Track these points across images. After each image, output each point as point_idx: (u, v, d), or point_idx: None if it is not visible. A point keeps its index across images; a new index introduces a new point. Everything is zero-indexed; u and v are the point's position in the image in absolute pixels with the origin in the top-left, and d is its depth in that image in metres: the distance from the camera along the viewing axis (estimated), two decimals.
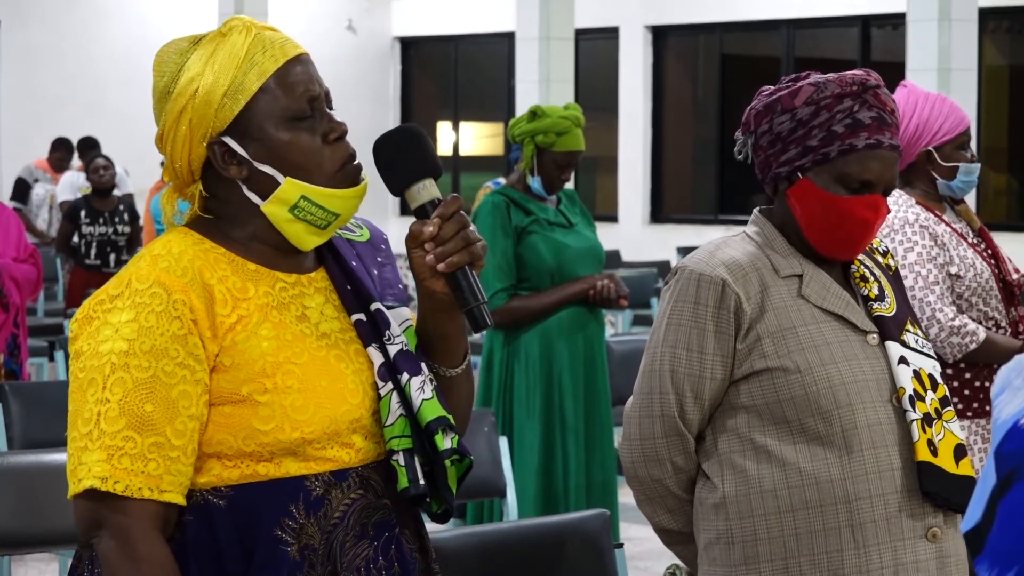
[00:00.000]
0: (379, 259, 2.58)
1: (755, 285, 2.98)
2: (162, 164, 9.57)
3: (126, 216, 11.86)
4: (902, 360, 3.00)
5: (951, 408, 3.03)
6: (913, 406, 2.97)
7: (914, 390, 2.98)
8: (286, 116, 2.43)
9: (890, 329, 3.02)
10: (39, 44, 18.69)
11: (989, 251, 4.79)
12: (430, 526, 2.63)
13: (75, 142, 15.65)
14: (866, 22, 17.03)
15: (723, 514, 2.98)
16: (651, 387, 3.02)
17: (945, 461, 2.96)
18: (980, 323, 4.68)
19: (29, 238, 8.49)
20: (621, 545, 3.80)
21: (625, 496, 6.50)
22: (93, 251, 11.65)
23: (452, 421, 2.45)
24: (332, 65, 19.86)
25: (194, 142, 2.44)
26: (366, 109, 19.58)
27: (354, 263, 2.53)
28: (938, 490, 2.95)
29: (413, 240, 2.42)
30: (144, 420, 2.34)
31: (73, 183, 14.15)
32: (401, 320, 2.50)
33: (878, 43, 17.12)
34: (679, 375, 2.99)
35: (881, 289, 3.08)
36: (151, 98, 2.52)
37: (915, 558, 2.95)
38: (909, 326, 3.05)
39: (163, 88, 2.47)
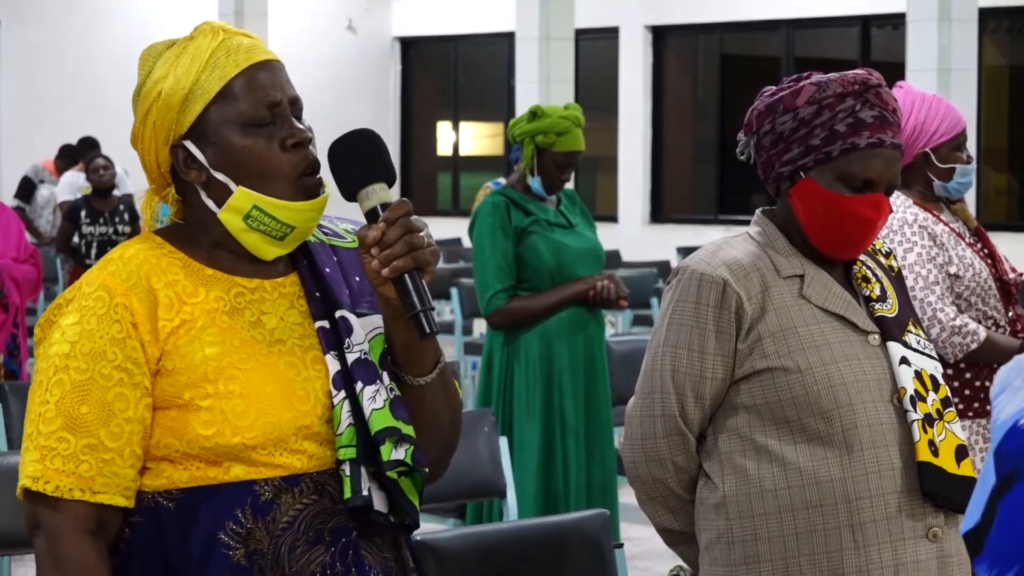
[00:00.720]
0: None
1: (756, 285, 2.98)
2: None
3: (126, 216, 11.86)
4: (903, 360, 2.99)
5: (952, 409, 3.03)
6: (914, 406, 2.96)
7: (915, 391, 2.98)
8: (243, 121, 2.41)
9: (891, 330, 3.02)
10: (39, 44, 18.69)
11: (986, 251, 4.79)
12: (429, 526, 2.62)
13: (75, 142, 15.64)
14: (866, 22, 17.03)
15: (723, 513, 2.98)
16: (652, 387, 3.02)
17: (946, 461, 2.96)
18: (979, 323, 4.69)
19: (29, 238, 8.49)
20: (621, 545, 3.80)
21: (625, 496, 6.50)
22: (93, 251, 11.65)
23: (406, 432, 2.41)
24: (332, 65, 19.88)
25: (159, 144, 2.45)
26: (366, 109, 19.58)
27: (328, 269, 2.50)
28: (938, 490, 2.95)
29: (361, 245, 2.38)
30: (78, 421, 2.35)
31: (73, 183, 14.14)
32: (371, 328, 2.47)
33: (878, 43, 17.12)
34: (680, 375, 2.99)
35: (883, 290, 3.07)
36: None
37: (915, 558, 2.95)
38: (911, 327, 3.05)
39: (136, 88, 2.49)
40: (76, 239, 11.70)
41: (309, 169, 2.43)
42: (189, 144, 2.42)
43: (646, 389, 3.04)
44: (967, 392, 4.69)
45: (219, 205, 2.43)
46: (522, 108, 13.58)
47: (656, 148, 18.52)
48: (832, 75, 3.04)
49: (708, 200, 18.04)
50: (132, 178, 14.58)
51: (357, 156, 2.41)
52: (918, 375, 3.00)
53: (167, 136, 2.43)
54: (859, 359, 2.98)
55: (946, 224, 4.74)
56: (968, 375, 4.69)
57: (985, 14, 14.24)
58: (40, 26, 18.73)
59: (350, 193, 2.42)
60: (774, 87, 3.09)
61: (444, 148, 20.61)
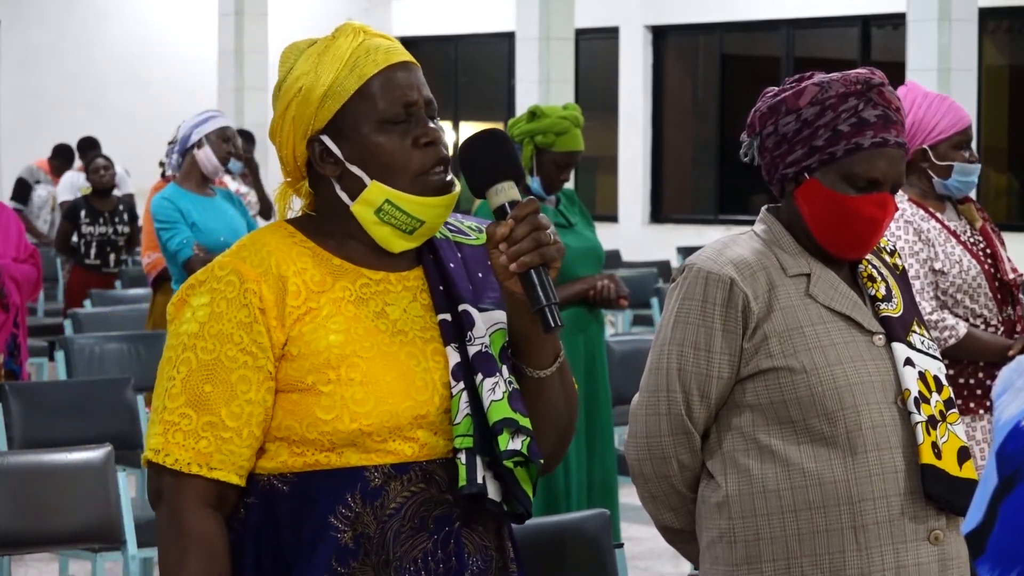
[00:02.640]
0: (489, 263, 2.59)
1: (763, 284, 2.98)
2: (161, 164, 9.53)
3: (126, 216, 11.85)
4: (908, 361, 2.99)
5: (955, 410, 3.02)
6: (918, 408, 2.96)
7: (919, 392, 2.97)
8: (379, 119, 2.50)
9: (896, 330, 3.01)
10: (39, 44, 18.70)
11: (988, 250, 4.79)
12: None
13: (75, 142, 15.64)
14: (866, 22, 17.03)
15: (726, 513, 2.98)
16: (658, 385, 3.02)
17: (948, 464, 2.95)
18: (967, 320, 4.69)
19: (28, 238, 8.48)
20: (621, 545, 3.80)
21: (625, 496, 6.50)
22: (93, 251, 11.64)
23: (522, 423, 2.48)
24: None
25: (296, 138, 2.54)
26: None
27: (452, 265, 2.58)
28: (941, 493, 2.94)
29: (490, 241, 2.47)
30: (202, 399, 2.46)
31: (73, 183, 14.14)
32: (492, 323, 2.55)
33: (878, 43, 17.12)
34: (686, 373, 2.99)
35: (888, 289, 3.07)
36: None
37: (917, 560, 2.94)
38: (915, 327, 3.04)
39: (277, 84, 2.58)
40: (76, 239, 11.70)
41: (440, 166, 2.52)
42: (326, 139, 2.52)
43: (651, 387, 3.03)
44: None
45: (352, 198, 2.52)
46: (522, 108, 13.58)
47: (656, 148, 18.52)
48: (835, 75, 3.03)
49: (708, 200, 18.04)
50: (132, 178, 14.59)
51: (487, 154, 2.50)
52: (922, 376, 2.99)
53: (305, 130, 2.52)
54: (864, 360, 2.97)
55: (939, 221, 4.74)
56: (951, 372, 4.69)
57: (985, 14, 14.24)
58: (40, 26, 18.73)
59: (479, 190, 2.50)
60: (776, 88, 3.09)
61: None
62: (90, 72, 18.82)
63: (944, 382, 3.02)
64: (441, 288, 2.56)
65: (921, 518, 2.95)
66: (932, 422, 2.96)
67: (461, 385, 2.49)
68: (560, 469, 6.02)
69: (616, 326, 11.97)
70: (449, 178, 2.53)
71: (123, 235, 11.77)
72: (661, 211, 18.51)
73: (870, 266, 3.09)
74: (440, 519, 2.48)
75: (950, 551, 2.98)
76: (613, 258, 13.34)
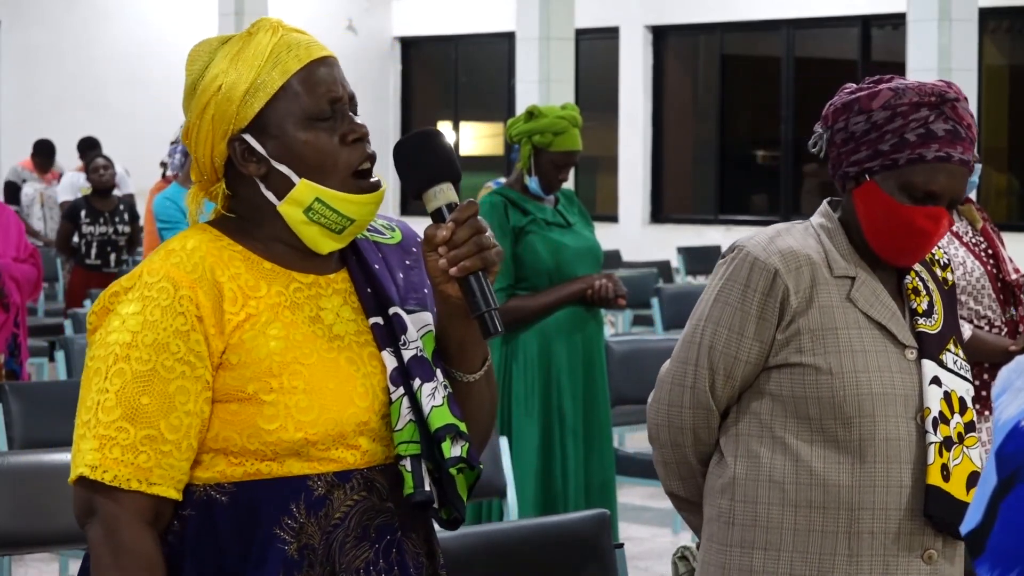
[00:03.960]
0: (407, 262, 2.57)
1: (806, 279, 2.99)
2: (162, 164, 9.56)
3: (126, 216, 11.86)
4: (935, 380, 2.99)
5: (975, 435, 3.02)
6: (935, 428, 2.96)
7: (940, 412, 2.97)
8: (305, 116, 2.44)
9: (930, 347, 3.02)
10: (39, 44, 18.69)
11: (990, 251, 4.79)
12: None
13: (75, 142, 15.65)
14: (866, 22, 17.03)
15: (728, 494, 3.01)
16: (688, 357, 3.04)
17: (956, 487, 2.95)
18: (972, 322, 4.69)
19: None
20: (621, 545, 3.80)
21: (625, 496, 6.51)
22: (93, 251, 11.65)
23: (462, 429, 2.44)
24: None
25: (216, 138, 2.46)
26: (366, 109, 19.55)
27: (377, 266, 2.53)
28: (943, 515, 2.94)
29: (427, 244, 2.42)
30: (139, 412, 2.36)
31: (73, 183, 14.15)
32: (421, 325, 2.50)
33: (878, 43, 17.12)
34: (716, 352, 3.01)
35: (931, 304, 3.07)
36: (179, 96, 2.55)
37: None
38: (950, 346, 3.05)
39: (191, 84, 2.50)
40: (76, 239, 11.70)
41: (368, 163, 2.47)
42: (249, 137, 2.45)
43: (681, 358, 3.06)
44: None
45: (279, 198, 2.45)
46: (522, 108, 13.58)
47: (656, 148, 18.52)
48: (911, 82, 3.02)
49: (708, 200, 18.04)
50: (132, 178, 14.59)
51: (424, 155, 2.45)
52: (947, 396, 2.99)
53: (226, 129, 2.45)
54: (891, 372, 2.97)
55: None
56: None
57: (985, 14, 14.24)
58: (40, 26, 18.73)
59: (416, 192, 2.46)
60: (855, 85, 3.09)
61: None
62: (90, 72, 18.81)
63: (969, 404, 3.02)
64: (369, 290, 2.50)
65: (917, 536, 2.96)
66: (947, 443, 2.96)
67: (401, 390, 2.43)
68: (559, 469, 6.03)
69: (616, 326, 11.97)
70: (376, 178, 2.47)
71: (124, 235, 11.77)
72: (661, 211, 18.50)
73: (917, 279, 3.09)
74: (382, 528, 2.44)
75: (943, 572, 2.98)
76: (613, 258, 13.34)
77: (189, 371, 2.38)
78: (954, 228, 4.77)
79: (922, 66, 12.20)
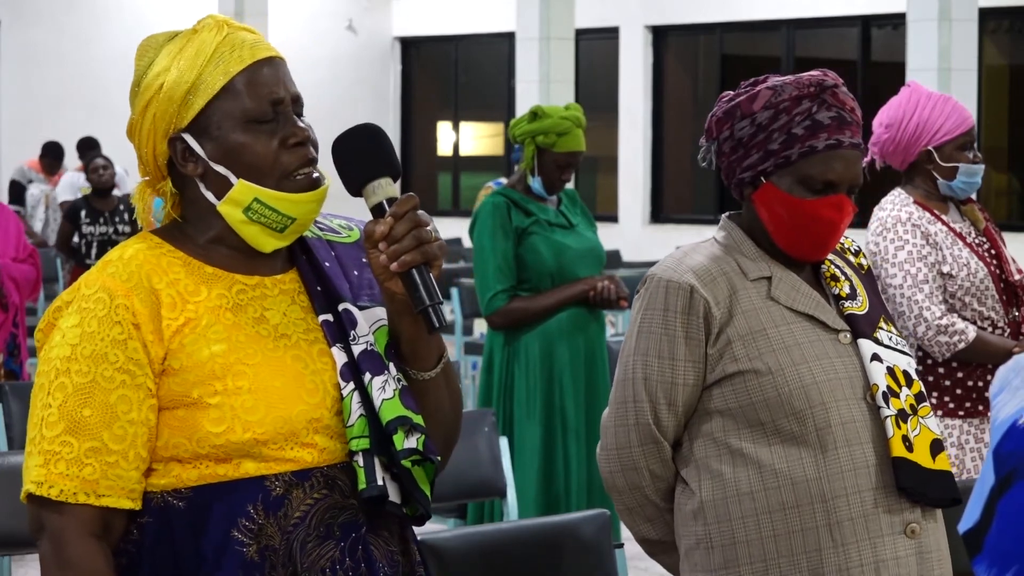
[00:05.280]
0: (364, 260, 2.53)
1: (724, 289, 2.97)
2: None
3: (126, 216, 11.85)
4: (875, 357, 2.98)
5: (927, 404, 3.01)
6: (887, 402, 2.95)
7: (888, 386, 2.96)
8: (246, 117, 2.41)
9: (862, 327, 3.01)
10: (39, 44, 18.69)
11: (993, 252, 4.79)
12: (430, 526, 2.62)
13: (75, 142, 15.65)
14: (866, 22, 17.03)
15: (701, 519, 2.97)
16: (625, 396, 3.01)
17: (921, 456, 2.95)
18: (975, 323, 4.69)
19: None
20: (621, 545, 3.80)
21: None
22: (93, 251, 11.65)
23: (416, 421, 2.41)
24: (332, 65, 19.87)
25: (157, 137, 2.44)
26: (366, 109, 19.58)
27: (328, 264, 2.50)
28: (914, 485, 2.93)
29: (368, 240, 2.39)
30: (81, 425, 2.34)
31: (73, 183, 14.15)
32: (374, 320, 2.47)
33: (878, 43, 17.12)
34: (652, 383, 2.98)
35: (852, 287, 3.06)
36: None
37: (895, 554, 2.94)
38: (883, 323, 3.04)
39: (135, 80, 2.49)
40: (76, 239, 11.70)
41: (308, 167, 2.43)
42: (188, 137, 2.42)
43: (619, 399, 3.03)
44: (959, 391, 4.70)
45: (218, 198, 2.43)
46: (522, 108, 13.58)
47: (656, 148, 18.51)
48: (788, 78, 3.04)
49: (708, 200, 18.04)
50: (132, 178, 14.58)
51: (361, 151, 2.41)
52: (890, 371, 2.98)
53: (167, 129, 2.43)
54: (830, 358, 2.96)
55: (945, 223, 4.75)
56: (960, 374, 4.70)
57: (985, 14, 14.24)
58: (40, 26, 18.72)
59: (355, 188, 2.42)
60: (732, 92, 3.09)
61: (444, 148, 20.60)
62: (90, 72, 18.81)
63: (914, 376, 3.02)
64: (319, 288, 2.47)
65: (896, 511, 2.94)
66: (903, 416, 2.96)
67: (351, 386, 2.40)
68: (560, 470, 6.02)
69: (617, 326, 11.97)
70: (316, 175, 2.44)
71: (123, 235, 11.77)
72: (661, 211, 18.50)
73: (833, 266, 3.08)
74: (346, 526, 2.41)
75: (928, 543, 2.97)
76: (613, 258, 13.33)
77: (129, 380, 2.36)
78: (957, 229, 4.76)
79: (922, 66, 12.20)
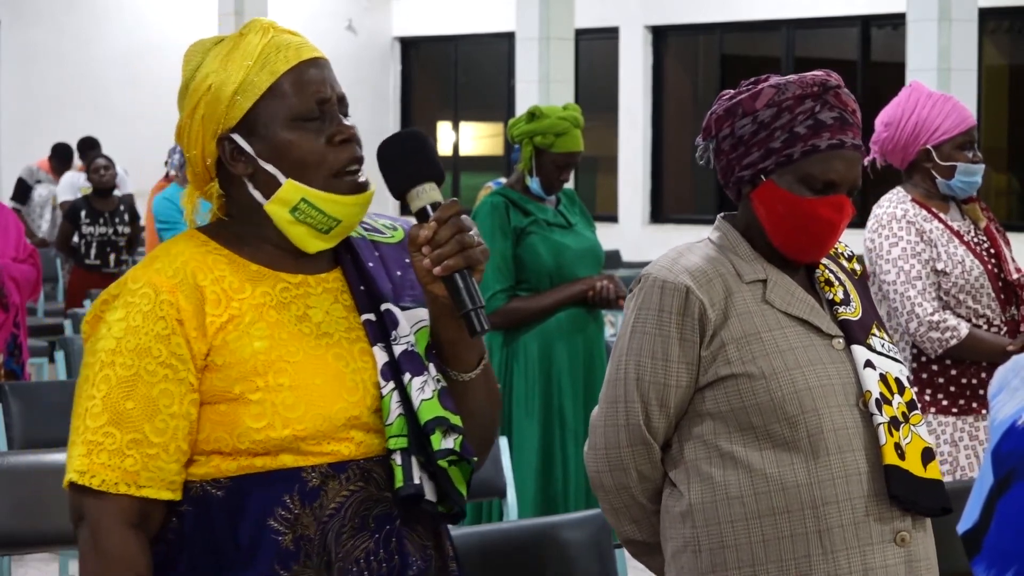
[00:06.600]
0: (407, 260, 2.57)
1: (719, 291, 2.96)
2: (166, 164, 9.58)
3: (126, 216, 11.85)
4: (868, 364, 2.96)
5: (919, 412, 3.00)
6: (880, 410, 2.93)
7: (881, 394, 2.95)
8: (292, 116, 2.46)
9: (855, 333, 2.99)
10: (39, 44, 18.69)
11: (992, 250, 4.80)
12: None
13: (75, 142, 15.65)
14: (866, 22, 17.03)
15: (690, 522, 2.96)
16: (616, 396, 3.00)
17: (913, 465, 2.93)
18: (970, 320, 4.69)
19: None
20: (621, 545, 3.80)
21: None
22: (93, 251, 11.65)
23: (454, 422, 2.45)
24: (332, 65, 19.85)
25: (206, 138, 2.49)
26: (366, 109, 19.58)
27: (371, 264, 2.55)
28: (906, 494, 2.92)
29: (411, 244, 2.43)
30: (124, 416, 2.40)
31: (73, 183, 14.15)
32: (415, 321, 2.52)
33: (878, 43, 17.12)
34: (644, 383, 2.97)
35: (846, 293, 3.05)
36: (172, 96, 2.56)
37: (884, 562, 2.92)
38: (875, 330, 3.03)
39: (183, 84, 2.54)
40: (76, 239, 11.70)
41: (354, 164, 2.49)
42: (237, 137, 2.47)
43: (610, 398, 3.02)
44: (952, 389, 4.71)
45: (266, 197, 2.48)
46: (522, 108, 13.58)
47: (656, 148, 18.52)
48: (791, 77, 3.03)
49: (708, 200, 18.05)
50: (132, 178, 14.59)
51: (407, 156, 2.46)
52: (883, 378, 2.97)
53: (215, 129, 2.48)
54: (823, 363, 2.95)
55: (942, 221, 4.76)
56: (954, 372, 4.70)
57: (985, 14, 14.24)
58: (40, 26, 18.72)
59: (399, 192, 2.46)
60: (732, 91, 3.09)
61: (444, 148, 20.60)
62: (90, 72, 18.81)
63: (906, 384, 3.00)
64: (362, 288, 2.52)
65: (887, 520, 2.93)
66: (895, 423, 2.94)
67: (391, 385, 2.45)
68: (559, 470, 6.03)
69: (616, 326, 11.97)
70: (363, 179, 2.49)
71: (123, 235, 11.77)
72: (661, 211, 18.50)
73: (827, 271, 3.07)
74: (380, 518, 2.46)
75: (917, 552, 2.96)
76: (613, 258, 13.34)
77: (172, 374, 2.41)
78: (955, 227, 4.77)
79: (922, 66, 12.20)
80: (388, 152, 2.46)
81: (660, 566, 3.07)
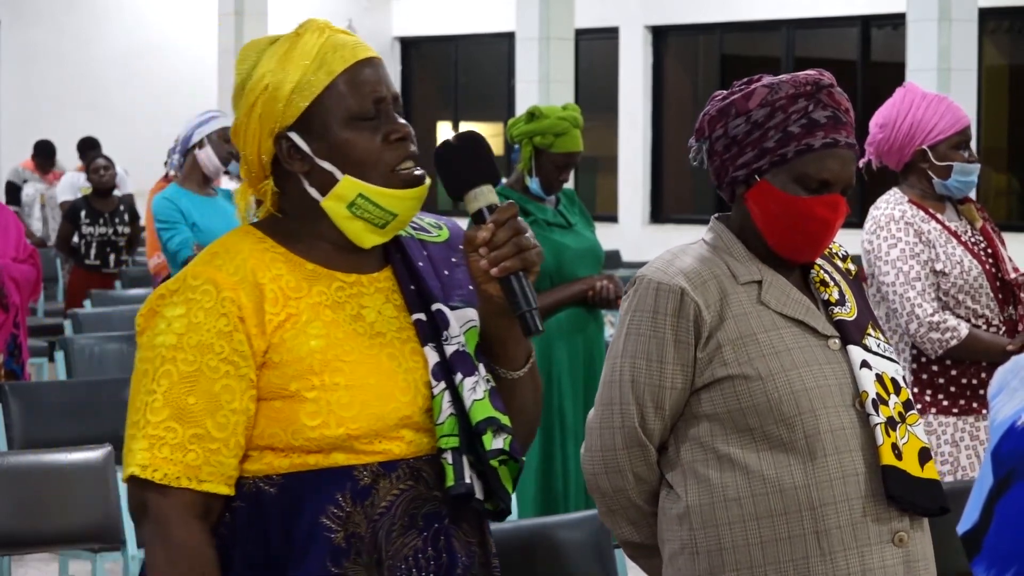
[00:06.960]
0: (453, 259, 2.62)
1: (714, 293, 2.96)
2: (165, 164, 9.56)
3: (126, 216, 11.85)
4: (864, 364, 2.96)
5: (915, 412, 3.00)
6: (876, 410, 2.93)
7: (877, 394, 2.94)
8: (350, 115, 2.50)
9: (851, 333, 2.99)
10: (39, 44, 18.70)
11: (989, 250, 4.80)
12: None
13: (75, 142, 15.66)
14: (866, 22, 17.03)
15: (687, 524, 2.95)
16: (611, 398, 3.00)
17: (910, 465, 2.93)
18: (969, 321, 4.70)
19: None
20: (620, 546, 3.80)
21: None
22: (93, 251, 11.64)
23: (504, 422, 2.49)
24: None
25: (263, 136, 2.52)
26: None
27: (421, 264, 2.59)
28: (903, 494, 2.91)
29: (469, 245, 2.47)
30: (186, 412, 2.44)
31: (73, 183, 14.15)
32: (464, 321, 2.55)
33: (878, 43, 17.12)
34: (639, 385, 2.96)
35: (841, 293, 3.04)
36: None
37: (882, 563, 2.91)
38: (871, 330, 3.02)
39: (239, 83, 2.57)
40: (76, 239, 11.70)
41: (410, 160, 2.53)
42: (294, 135, 2.51)
43: (605, 400, 3.01)
44: (952, 389, 4.71)
45: (322, 194, 2.51)
46: (522, 108, 13.58)
47: (656, 148, 18.52)
48: (784, 76, 3.03)
49: (708, 200, 18.04)
50: (132, 178, 14.59)
51: (465, 158, 2.50)
52: (879, 378, 2.96)
53: (272, 127, 2.52)
54: (820, 364, 2.95)
55: (940, 222, 4.76)
56: (954, 372, 4.70)
57: (985, 14, 14.24)
58: (40, 26, 18.73)
59: (457, 193, 2.50)
60: (725, 91, 3.09)
61: None
62: (90, 72, 18.81)
63: (902, 384, 3.00)
64: (412, 287, 2.56)
65: (884, 520, 2.92)
66: (891, 424, 2.94)
67: (442, 385, 2.49)
68: (559, 470, 6.03)
69: (615, 326, 11.96)
70: (419, 172, 2.53)
71: (123, 235, 11.77)
72: (661, 211, 18.51)
73: (822, 271, 3.06)
74: (429, 516, 2.49)
75: (915, 552, 2.95)
76: (613, 258, 13.34)
77: (233, 370, 2.45)
78: (952, 227, 4.78)
79: (922, 66, 12.20)
80: (446, 154, 2.51)
81: (658, 568, 3.06)
